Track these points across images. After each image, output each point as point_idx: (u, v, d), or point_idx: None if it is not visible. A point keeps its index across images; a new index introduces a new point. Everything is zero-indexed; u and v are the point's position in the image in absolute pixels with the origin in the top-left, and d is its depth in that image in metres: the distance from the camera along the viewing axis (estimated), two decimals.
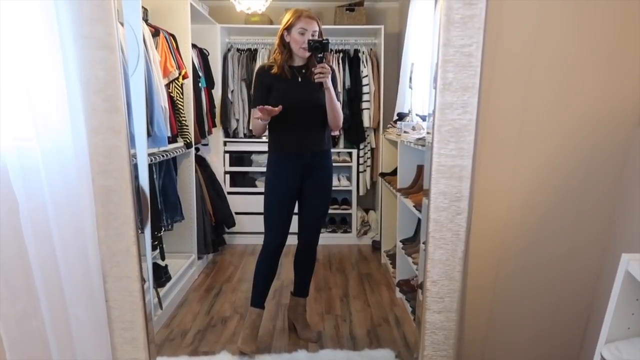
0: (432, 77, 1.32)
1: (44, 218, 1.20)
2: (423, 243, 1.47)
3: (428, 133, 2.31)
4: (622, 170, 1.54)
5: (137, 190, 1.31)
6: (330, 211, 4.27)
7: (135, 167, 1.30)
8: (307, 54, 2.23)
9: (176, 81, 3.07)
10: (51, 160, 1.24)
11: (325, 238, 4.17)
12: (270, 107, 2.12)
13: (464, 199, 1.35)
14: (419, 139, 2.41)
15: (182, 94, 3.15)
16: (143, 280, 1.35)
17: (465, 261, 1.39)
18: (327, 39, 2.18)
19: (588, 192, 1.56)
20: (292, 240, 2.46)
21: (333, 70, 2.28)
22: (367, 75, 4.15)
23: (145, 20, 3.00)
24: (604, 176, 1.56)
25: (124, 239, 1.28)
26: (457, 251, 1.37)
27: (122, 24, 1.82)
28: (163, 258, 2.89)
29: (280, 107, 2.13)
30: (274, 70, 2.27)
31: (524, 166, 1.52)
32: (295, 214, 2.42)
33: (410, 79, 3.31)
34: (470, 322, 1.51)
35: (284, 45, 2.27)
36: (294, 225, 2.43)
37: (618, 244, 1.56)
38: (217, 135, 4.11)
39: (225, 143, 4.17)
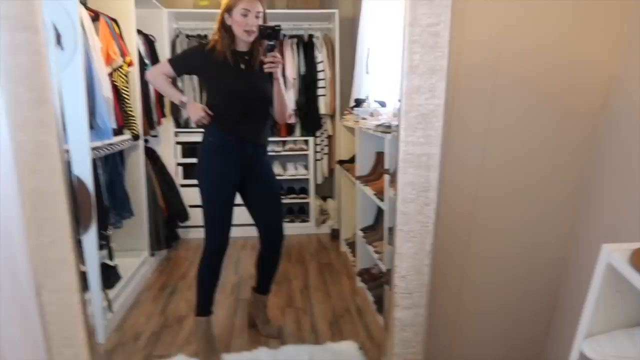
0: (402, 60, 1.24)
1: None
2: (390, 237, 1.41)
3: (389, 126, 2.28)
4: (589, 156, 1.52)
5: (73, 190, 1.17)
6: (287, 200, 4.20)
7: (68, 165, 1.16)
8: (251, 38, 2.05)
9: (120, 69, 2.87)
10: None
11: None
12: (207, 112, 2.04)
13: (433, 189, 1.29)
14: (379, 125, 2.35)
15: (128, 83, 2.96)
16: (84, 289, 1.22)
17: (433, 254, 1.34)
18: (279, 25, 2.02)
19: (555, 181, 1.55)
20: (242, 233, 2.33)
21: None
22: (322, 61, 4.06)
23: (84, 3, 2.78)
24: (571, 164, 1.55)
25: (60, 246, 1.14)
26: (425, 244, 1.32)
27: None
28: (112, 257, 2.72)
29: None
30: (215, 54, 2.07)
31: (492, 154, 1.48)
32: (239, 204, 2.24)
33: (367, 64, 3.24)
34: (437, 317, 1.48)
35: (225, 29, 2.07)
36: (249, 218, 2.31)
37: (584, 234, 1.56)
38: (167, 126, 3.92)
39: (176, 134, 3.99)
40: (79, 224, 1.58)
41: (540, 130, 1.52)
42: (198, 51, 2.18)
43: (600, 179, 1.48)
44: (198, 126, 2.20)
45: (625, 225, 1.35)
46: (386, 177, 2.26)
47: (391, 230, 1.50)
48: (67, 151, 1.17)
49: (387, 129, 2.26)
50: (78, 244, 1.17)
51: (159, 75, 2.15)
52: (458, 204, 1.49)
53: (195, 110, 2.08)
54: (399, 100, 1.28)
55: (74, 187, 1.16)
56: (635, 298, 0.94)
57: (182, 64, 2.17)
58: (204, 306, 2.24)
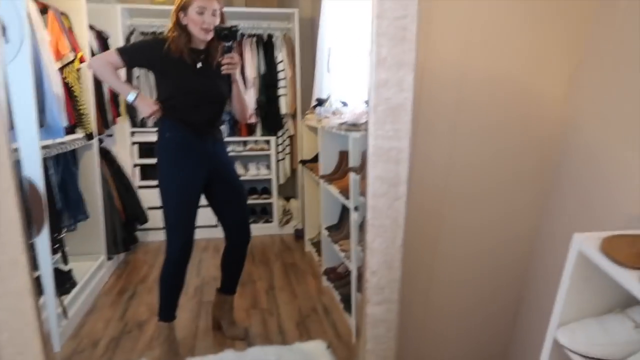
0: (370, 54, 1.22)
1: None
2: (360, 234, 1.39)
3: (354, 124, 2.26)
4: (555, 153, 1.56)
5: (22, 188, 1.09)
6: (250, 201, 4.12)
7: (17, 163, 1.08)
8: (209, 37, 1.98)
9: (71, 65, 2.74)
10: None
11: None
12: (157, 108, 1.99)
13: (402, 184, 1.28)
14: (342, 123, 2.34)
15: (79, 79, 2.83)
16: (38, 294, 1.14)
17: (403, 249, 1.33)
18: (236, 26, 1.96)
19: (522, 177, 1.58)
20: (204, 234, 2.26)
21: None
22: (282, 61, 4.02)
23: None
24: (538, 160, 1.58)
25: (9, 248, 1.05)
26: (396, 239, 1.31)
27: None
28: (66, 262, 2.59)
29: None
30: (171, 53, 1.97)
31: (460, 149, 1.50)
32: (204, 206, 2.17)
33: (329, 63, 3.23)
34: (406, 313, 1.48)
35: (181, 28, 1.98)
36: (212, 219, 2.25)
37: (549, 229, 1.60)
38: (123, 126, 3.78)
39: (132, 133, 3.85)
40: (30, 226, 1.48)
41: (507, 126, 1.54)
42: (152, 45, 2.08)
43: (566, 175, 1.52)
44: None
45: (588, 220, 1.39)
46: (351, 175, 2.25)
47: (361, 226, 1.49)
48: (16, 149, 1.07)
49: (351, 127, 2.25)
50: (30, 246, 1.09)
51: (106, 65, 2.00)
52: (426, 198, 1.50)
53: (146, 105, 2.01)
54: (368, 94, 1.26)
55: (24, 186, 1.08)
56: (606, 285, 0.96)
57: (133, 55, 2.06)
58: (167, 311, 2.16)
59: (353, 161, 2.27)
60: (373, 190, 1.28)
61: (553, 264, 1.56)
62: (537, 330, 1.57)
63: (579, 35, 1.46)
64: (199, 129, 2.06)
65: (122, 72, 3.67)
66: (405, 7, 1.19)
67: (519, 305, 1.69)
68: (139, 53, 2.09)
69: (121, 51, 2.03)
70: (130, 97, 2.00)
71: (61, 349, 2.20)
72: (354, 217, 2.25)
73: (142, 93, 1.99)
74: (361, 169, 2.00)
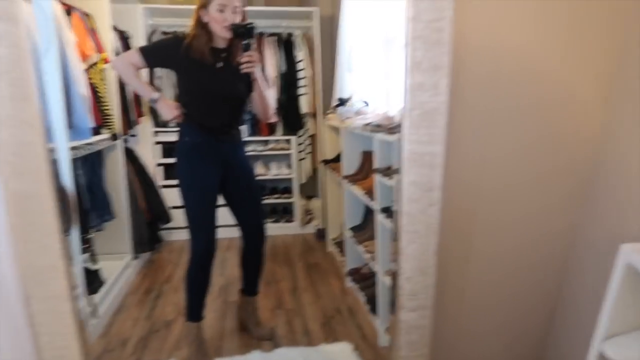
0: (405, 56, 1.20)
1: None
2: (394, 237, 1.36)
3: (378, 125, 2.24)
4: (594, 151, 1.52)
5: (61, 193, 1.09)
6: (271, 200, 4.14)
7: (55, 164, 1.08)
8: (229, 35, 1.96)
9: (96, 66, 2.76)
10: None
11: (268, 228, 3.99)
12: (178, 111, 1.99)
13: (437, 189, 1.25)
14: (367, 124, 2.31)
15: (104, 80, 2.85)
16: (75, 297, 1.14)
17: (437, 254, 1.31)
18: (251, 23, 1.93)
19: (558, 176, 1.54)
20: (227, 233, 2.27)
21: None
22: (302, 60, 4.01)
23: None
24: (575, 158, 1.54)
25: (48, 253, 1.06)
26: (430, 245, 1.28)
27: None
28: (95, 262, 2.62)
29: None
30: (192, 52, 1.97)
31: (494, 149, 1.46)
32: (221, 205, 2.18)
33: (350, 62, 3.20)
34: (440, 316, 1.45)
35: (202, 26, 1.97)
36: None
37: (586, 229, 1.56)
38: (146, 126, 3.81)
39: (155, 133, 3.88)
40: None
41: (543, 125, 1.50)
42: (174, 44, 2.05)
43: (604, 173, 1.48)
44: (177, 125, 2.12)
45: (628, 220, 1.35)
46: (377, 177, 2.23)
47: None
48: (52, 149, 1.08)
49: (376, 128, 2.22)
50: (67, 250, 1.09)
51: (128, 66, 2.01)
52: (460, 201, 1.47)
53: (168, 108, 2.01)
54: (402, 98, 1.24)
55: (62, 190, 1.08)
56: None
57: (155, 55, 2.05)
58: (195, 312, 2.17)
59: (378, 162, 2.25)
60: (407, 196, 1.25)
61: (591, 267, 1.51)
62: (576, 336, 1.54)
63: (621, 35, 1.42)
64: (218, 131, 2.06)
65: (145, 72, 3.71)
66: (441, 10, 1.16)
67: (554, 309, 1.65)
68: (160, 52, 2.08)
69: (142, 50, 2.03)
70: (153, 100, 2.00)
71: (92, 349, 2.22)
72: (379, 218, 2.22)
73: (164, 96, 1.99)
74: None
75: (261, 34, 4.00)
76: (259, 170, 4.08)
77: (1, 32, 0.98)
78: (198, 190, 2.07)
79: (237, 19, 1.96)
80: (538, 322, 1.66)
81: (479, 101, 1.43)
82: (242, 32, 1.92)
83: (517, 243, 1.59)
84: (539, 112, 1.49)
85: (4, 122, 1.01)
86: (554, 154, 1.53)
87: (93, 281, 2.52)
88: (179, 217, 3.78)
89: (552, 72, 1.46)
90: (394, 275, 1.38)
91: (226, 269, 3.25)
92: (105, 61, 2.85)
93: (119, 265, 2.92)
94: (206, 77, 2.02)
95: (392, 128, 2.07)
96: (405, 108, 1.21)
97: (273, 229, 4.06)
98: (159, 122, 3.89)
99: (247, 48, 1.93)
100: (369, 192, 2.45)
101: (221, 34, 1.97)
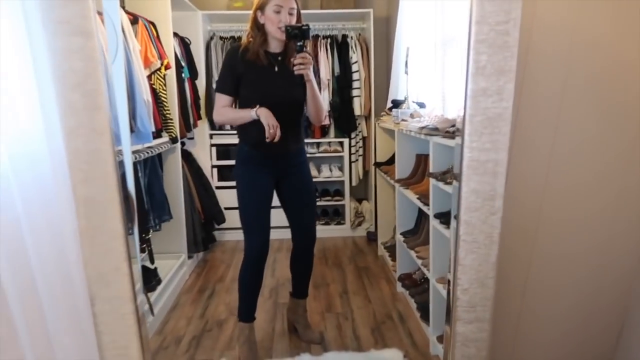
0: (466, 59, 1.16)
1: (18, 235, 1.03)
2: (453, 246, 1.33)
3: (435, 128, 2.20)
4: None
5: (126, 199, 1.15)
6: (322, 203, 4.15)
7: (123, 174, 1.13)
8: (284, 37, 1.97)
9: (158, 72, 2.88)
10: (21, 166, 1.07)
11: (319, 230, 3.96)
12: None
13: (499, 197, 1.21)
14: (422, 127, 2.27)
15: (165, 85, 2.96)
16: (135, 299, 1.19)
17: (497, 266, 1.26)
18: (307, 25, 1.94)
19: (632, 176, 1.44)
20: (278, 235, 2.29)
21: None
22: (356, 62, 4.01)
23: (122, 6, 2.80)
24: None
25: (113, 256, 1.11)
26: (490, 255, 1.24)
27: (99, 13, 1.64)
28: (152, 261, 2.73)
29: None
30: (248, 55, 2.02)
31: (561, 159, 1.39)
32: (275, 207, 2.20)
33: (406, 64, 3.16)
34: (497, 326, 1.40)
35: (258, 28, 2.02)
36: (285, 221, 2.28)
37: None
38: (202, 128, 3.93)
39: (211, 136, 3.99)
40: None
41: (614, 137, 1.41)
42: (231, 58, 2.09)
43: None
44: (232, 128, 2.16)
45: None
46: (431, 181, 2.18)
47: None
48: (120, 152, 1.14)
49: (432, 131, 2.18)
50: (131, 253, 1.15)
51: (224, 110, 2.08)
52: (523, 202, 1.40)
53: (269, 116, 1.95)
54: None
55: (128, 197, 1.14)
56: None
57: (229, 84, 2.07)
58: (247, 312, 2.21)
59: (434, 166, 2.20)
60: (467, 204, 1.22)
61: None
62: None
63: None
64: (277, 142, 1.99)
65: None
66: (508, 12, 1.12)
67: (625, 315, 1.54)
68: (229, 77, 2.08)
69: (219, 89, 2.09)
70: (253, 115, 1.98)
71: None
72: (434, 224, 2.18)
73: (260, 108, 2.00)
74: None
75: (316, 37, 4.03)
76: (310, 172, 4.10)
77: (77, 46, 1.04)
78: (253, 193, 2.12)
79: (293, 21, 1.98)
80: (606, 330, 1.55)
81: (545, 109, 1.36)
82: (296, 34, 1.94)
83: (586, 245, 1.49)
84: (610, 126, 1.40)
85: (77, 131, 1.07)
86: (624, 174, 1.44)
87: (150, 279, 2.62)
88: (232, 218, 3.89)
89: (631, 69, 1.36)
90: (449, 284, 1.35)
91: (277, 271, 3.29)
92: (167, 67, 2.96)
93: (175, 265, 3.02)
94: (263, 80, 2.05)
95: (449, 131, 2.02)
96: (466, 114, 1.18)
97: (323, 231, 4.07)
98: (215, 125, 4.00)
99: (300, 50, 1.93)
100: (423, 197, 2.40)
101: (276, 35, 2.00)
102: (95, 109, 1.08)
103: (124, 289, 1.14)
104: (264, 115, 1.96)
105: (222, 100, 2.08)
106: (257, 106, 1.98)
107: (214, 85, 3.93)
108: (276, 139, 1.95)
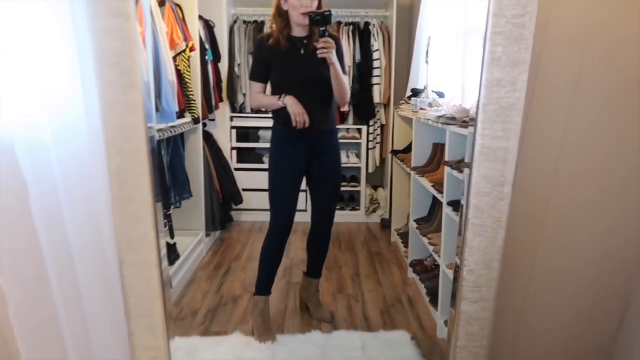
0: (483, 50, 1.21)
1: (55, 202, 1.12)
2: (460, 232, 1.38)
3: (453, 118, 2.23)
4: None
5: (156, 171, 1.22)
6: None
7: (153, 148, 1.21)
8: (307, 22, 2.03)
9: (183, 54, 2.96)
10: (62, 140, 1.15)
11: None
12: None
13: (508, 184, 1.26)
14: (440, 116, 2.31)
15: (189, 67, 3.04)
16: (160, 264, 1.28)
17: (504, 250, 1.31)
18: (329, 11, 1.99)
19: (636, 179, 1.47)
20: (298, 217, 2.37)
21: (338, 41, 2.11)
22: (378, 50, 4.02)
23: None
24: None
25: (142, 224, 1.20)
26: (497, 239, 1.30)
27: None
28: (173, 236, 2.83)
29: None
30: (272, 41, 2.11)
31: (571, 151, 1.42)
32: (303, 190, 2.31)
33: (427, 53, 3.18)
34: (502, 309, 1.45)
35: (281, 14, 2.10)
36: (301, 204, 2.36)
37: None
38: (223, 111, 4.01)
39: (232, 118, 4.07)
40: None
41: (625, 132, 1.43)
42: (259, 47, 2.21)
43: None
44: (266, 111, 2.24)
45: None
46: (446, 169, 2.23)
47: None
48: (151, 127, 1.21)
49: (449, 120, 2.21)
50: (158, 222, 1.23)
51: (259, 96, 2.21)
52: (532, 189, 1.44)
53: (296, 105, 2.07)
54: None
55: (157, 169, 1.22)
56: None
57: (259, 72, 2.19)
58: (265, 286, 2.31)
59: (450, 155, 2.24)
60: (477, 189, 1.27)
61: None
62: None
63: None
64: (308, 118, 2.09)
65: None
66: (525, 6, 1.15)
67: (628, 303, 1.57)
68: (260, 65, 2.19)
69: (252, 77, 2.22)
70: (280, 104, 2.09)
71: None
72: (447, 212, 2.23)
73: (286, 97, 2.08)
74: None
75: (339, 23, 4.05)
76: None
77: (116, 27, 1.11)
78: (285, 175, 2.21)
79: (315, 7, 2.03)
80: (607, 319, 1.59)
81: (558, 101, 1.39)
82: (319, 20, 1.99)
83: (592, 235, 1.52)
84: (623, 119, 1.42)
85: (112, 107, 1.15)
86: (636, 155, 1.46)
87: (170, 254, 2.73)
88: (250, 200, 3.98)
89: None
90: (456, 267, 1.40)
91: (291, 252, 3.37)
92: (192, 49, 3.03)
93: (193, 241, 3.13)
94: (291, 64, 2.13)
95: (466, 121, 2.06)
96: (480, 103, 1.23)
97: (338, 216, 4.05)
98: (236, 108, 4.08)
99: (323, 35, 1.99)
100: (438, 185, 2.45)
101: (298, 21, 2.07)
102: (131, 87, 1.15)
103: (151, 255, 1.22)
104: (290, 104, 2.06)
105: (255, 87, 2.20)
106: (284, 95, 2.08)
107: (236, 69, 4.01)
108: (306, 125, 2.06)
